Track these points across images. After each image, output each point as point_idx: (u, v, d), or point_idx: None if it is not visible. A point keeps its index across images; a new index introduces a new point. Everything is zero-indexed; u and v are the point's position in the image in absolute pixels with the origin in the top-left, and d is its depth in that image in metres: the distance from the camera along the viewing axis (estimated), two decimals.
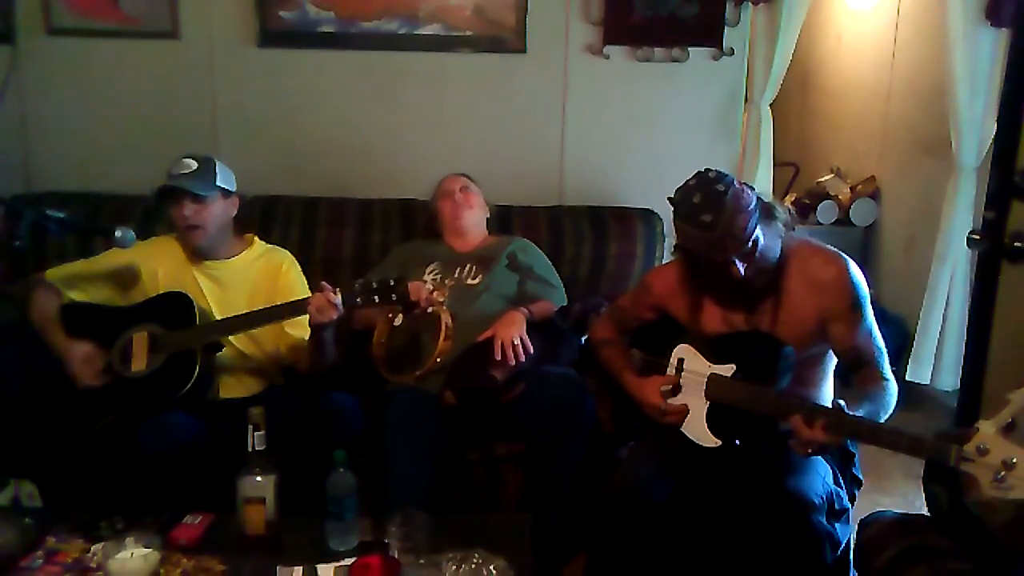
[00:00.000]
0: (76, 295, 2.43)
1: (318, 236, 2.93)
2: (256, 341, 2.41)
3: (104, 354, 2.32)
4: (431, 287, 2.55)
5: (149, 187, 2.87)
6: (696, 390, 2.02)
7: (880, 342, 1.96)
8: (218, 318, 2.37)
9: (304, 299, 2.20)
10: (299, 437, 2.17)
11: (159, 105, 3.16)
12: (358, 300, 2.13)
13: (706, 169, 1.93)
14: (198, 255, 2.42)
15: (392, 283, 2.12)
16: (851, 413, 1.73)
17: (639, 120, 3.18)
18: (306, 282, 2.51)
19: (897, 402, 1.91)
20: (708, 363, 2.03)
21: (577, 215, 3.02)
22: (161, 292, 2.38)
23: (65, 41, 3.11)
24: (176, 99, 3.16)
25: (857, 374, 1.98)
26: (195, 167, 2.35)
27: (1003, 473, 1.52)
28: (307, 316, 2.18)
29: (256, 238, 2.55)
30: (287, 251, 2.57)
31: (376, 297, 2.12)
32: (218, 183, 2.37)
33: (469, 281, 2.63)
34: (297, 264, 2.54)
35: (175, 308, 2.31)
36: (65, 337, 2.33)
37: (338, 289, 2.15)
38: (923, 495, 1.82)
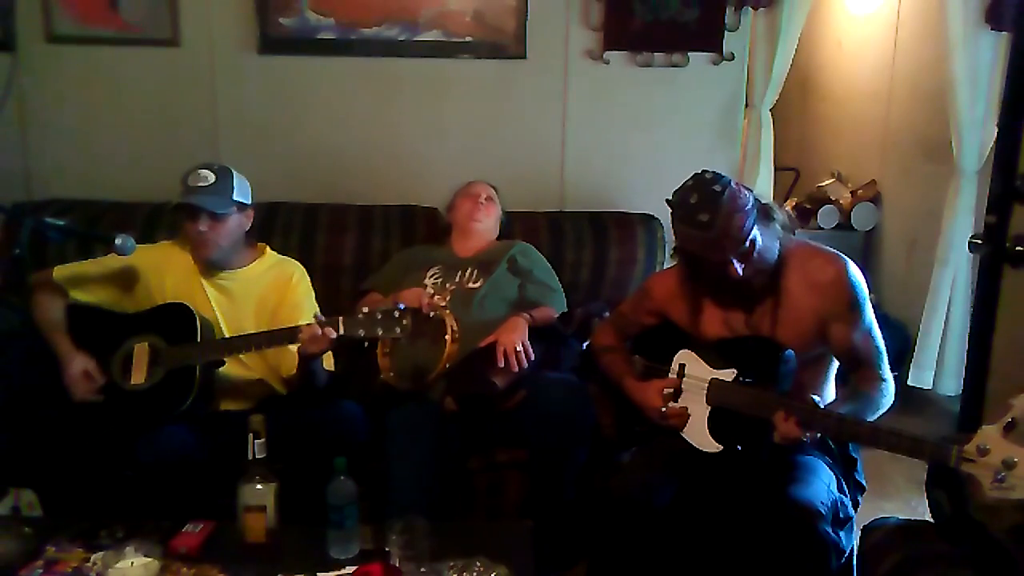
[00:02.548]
0: (81, 295, 2.41)
1: (318, 242, 2.93)
2: (263, 355, 2.38)
3: (103, 372, 2.31)
4: (432, 291, 2.54)
5: (150, 194, 2.90)
6: (698, 395, 2.02)
7: (880, 342, 1.96)
8: (224, 328, 2.35)
9: (298, 329, 2.16)
10: (304, 445, 2.16)
11: (159, 112, 3.17)
12: (361, 332, 2.09)
13: (703, 170, 1.93)
14: (208, 266, 2.39)
15: (396, 314, 2.07)
16: (828, 411, 1.73)
17: (640, 125, 3.18)
18: (314, 296, 2.49)
19: (899, 407, 1.91)
20: (709, 368, 2.02)
21: (578, 220, 3.02)
22: (167, 301, 2.36)
23: (65, 49, 3.11)
24: (177, 106, 3.17)
25: (855, 374, 1.98)
26: (213, 180, 2.30)
27: (1004, 473, 1.51)
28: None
29: (267, 248, 2.52)
30: (298, 263, 2.53)
31: (380, 330, 2.08)
32: (235, 197, 2.33)
33: (470, 285, 2.63)
34: (307, 277, 2.51)
35: (177, 320, 2.28)
36: (70, 345, 2.32)
37: (341, 319, 2.11)
38: (926, 501, 1.81)
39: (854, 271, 1.95)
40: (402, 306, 2.09)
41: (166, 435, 2.15)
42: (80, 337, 2.35)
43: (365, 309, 2.13)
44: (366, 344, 2.12)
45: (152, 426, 2.17)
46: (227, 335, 2.34)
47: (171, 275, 2.41)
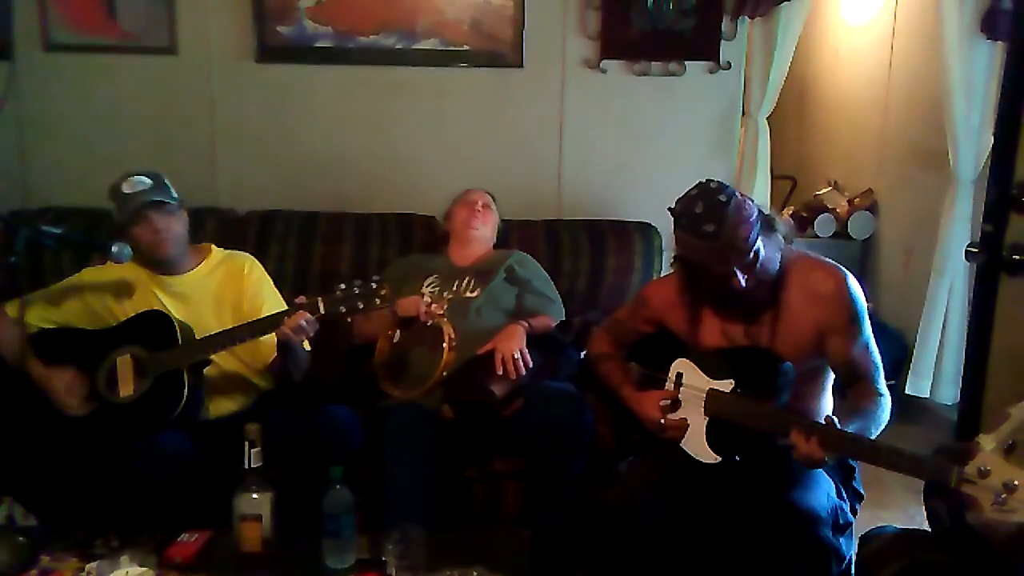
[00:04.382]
0: (42, 323, 2.39)
1: (316, 251, 2.93)
2: (234, 354, 2.37)
3: (86, 379, 2.30)
4: (429, 300, 2.54)
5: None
6: (695, 405, 2.01)
7: (877, 357, 1.96)
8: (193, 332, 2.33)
9: (282, 313, 2.17)
10: (297, 452, 2.15)
11: (157, 120, 3.17)
12: (342, 309, 2.11)
13: (707, 180, 1.93)
14: (161, 270, 2.38)
15: (374, 286, 2.10)
16: (846, 431, 1.73)
17: (636, 134, 3.19)
18: (271, 282, 2.50)
19: (897, 416, 1.91)
20: (707, 378, 2.02)
21: (575, 229, 3.02)
22: (131, 315, 2.34)
23: (63, 57, 3.12)
24: (174, 114, 3.17)
25: (852, 388, 1.97)
26: (151, 183, 2.32)
27: (1004, 496, 1.50)
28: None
29: (214, 246, 2.51)
30: (248, 254, 2.54)
31: (361, 303, 2.10)
32: (175, 196, 2.37)
33: (467, 294, 2.63)
34: (259, 265, 2.52)
35: (155, 328, 2.27)
36: (42, 366, 2.30)
37: (321, 299, 2.13)
38: (924, 510, 1.81)
39: (854, 284, 1.95)
40: (378, 278, 2.12)
41: (165, 446, 2.15)
42: (58, 359, 2.32)
43: (343, 285, 2.13)
44: (349, 317, 2.12)
45: (149, 434, 2.16)
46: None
47: (125, 292, 2.39)
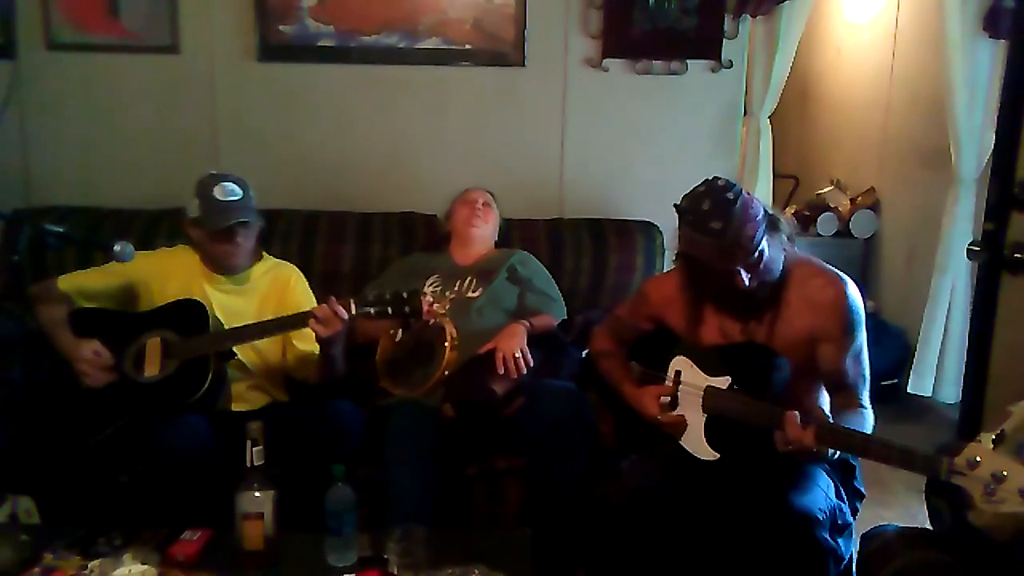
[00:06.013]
0: (87, 303, 2.42)
1: (318, 250, 2.93)
2: (260, 354, 2.41)
3: (113, 353, 2.32)
4: (431, 299, 2.54)
5: (150, 201, 2.90)
6: (694, 403, 2.02)
7: (866, 370, 1.97)
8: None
9: (310, 311, 2.19)
10: (300, 447, 2.17)
11: (159, 119, 3.17)
12: (371, 311, 2.15)
13: (715, 177, 1.93)
14: (224, 271, 2.42)
15: (405, 296, 2.15)
16: (840, 425, 1.73)
17: (638, 133, 3.19)
18: (313, 296, 2.52)
19: (899, 415, 1.91)
20: (704, 375, 2.02)
21: (577, 227, 3.03)
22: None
23: (65, 56, 3.12)
24: (176, 113, 3.17)
25: (835, 397, 1.98)
26: (242, 195, 2.34)
27: (993, 486, 1.51)
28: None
29: (264, 252, 2.56)
30: (294, 266, 2.58)
31: (389, 308, 2.15)
32: (254, 205, 2.40)
33: (469, 294, 2.63)
34: (304, 279, 2.56)
35: (189, 315, 2.31)
36: (72, 337, 2.33)
37: (352, 300, 2.16)
38: (925, 509, 1.81)
39: (854, 294, 1.95)
40: (412, 289, 2.17)
41: (188, 425, 2.17)
42: (91, 335, 2.34)
43: (375, 292, 2.19)
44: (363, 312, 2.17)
45: (170, 414, 2.18)
46: None
47: (173, 281, 2.42)
